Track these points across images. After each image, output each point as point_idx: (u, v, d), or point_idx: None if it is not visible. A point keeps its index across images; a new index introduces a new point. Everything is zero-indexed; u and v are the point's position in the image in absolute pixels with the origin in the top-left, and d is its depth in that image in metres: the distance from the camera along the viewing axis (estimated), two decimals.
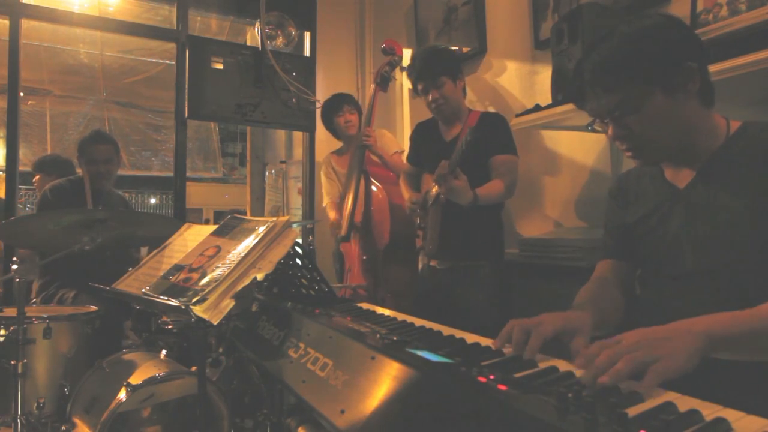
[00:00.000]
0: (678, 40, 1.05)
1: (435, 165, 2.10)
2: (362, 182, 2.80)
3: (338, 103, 3.07)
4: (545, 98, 2.10)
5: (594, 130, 1.18)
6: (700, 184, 1.11)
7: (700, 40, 1.12)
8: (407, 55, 3.03)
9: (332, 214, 3.14)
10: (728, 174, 1.07)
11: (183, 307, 1.22)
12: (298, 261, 1.49)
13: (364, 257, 2.77)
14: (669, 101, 1.04)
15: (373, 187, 2.76)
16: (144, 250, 3.02)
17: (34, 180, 3.75)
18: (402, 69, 3.12)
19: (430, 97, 2.23)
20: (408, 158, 2.57)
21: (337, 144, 3.26)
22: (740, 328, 0.86)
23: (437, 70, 2.21)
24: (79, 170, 3.02)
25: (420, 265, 2.56)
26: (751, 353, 0.90)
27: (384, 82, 2.92)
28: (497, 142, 2.19)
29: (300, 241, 1.46)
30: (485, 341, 0.98)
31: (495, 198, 2.14)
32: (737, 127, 1.11)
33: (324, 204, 3.26)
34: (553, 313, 0.99)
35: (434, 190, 2.09)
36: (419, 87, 2.26)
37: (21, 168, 3.27)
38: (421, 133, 2.48)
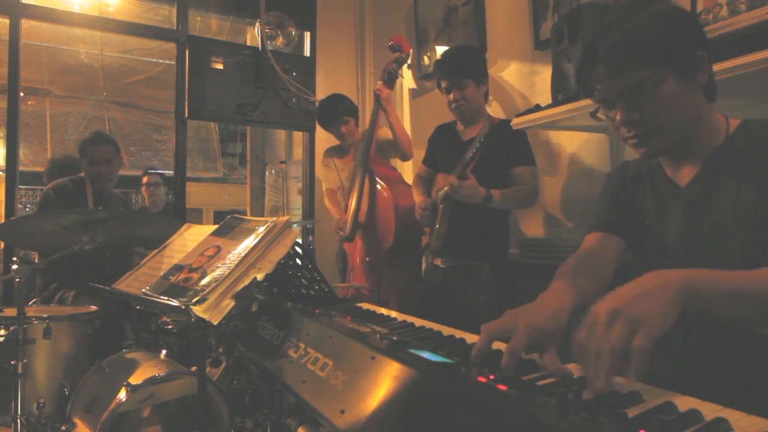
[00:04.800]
0: (691, 27, 1.07)
1: (451, 165, 2.14)
2: (367, 181, 2.79)
3: (330, 117, 3.05)
4: (545, 98, 2.10)
5: (597, 118, 1.15)
6: (701, 182, 1.11)
7: (702, 29, 1.13)
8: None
9: (329, 203, 3.14)
10: (728, 173, 1.07)
11: (183, 307, 1.22)
12: (298, 261, 1.49)
13: (367, 258, 2.76)
14: (681, 87, 1.04)
15: (378, 187, 2.74)
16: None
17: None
18: (409, 66, 3.12)
19: (451, 97, 2.27)
20: (423, 160, 2.58)
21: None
22: (725, 286, 0.81)
23: (462, 72, 2.24)
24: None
25: (424, 265, 2.57)
26: (732, 315, 0.83)
27: (391, 79, 2.91)
28: (517, 154, 2.22)
29: (300, 241, 1.46)
30: None
31: (511, 202, 2.19)
32: (737, 126, 1.11)
33: (325, 197, 3.24)
34: (528, 311, 0.92)
35: (446, 188, 2.11)
36: (443, 85, 2.29)
37: (21, 168, 3.27)
38: (439, 135, 2.50)
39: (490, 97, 2.78)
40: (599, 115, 1.14)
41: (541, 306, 0.98)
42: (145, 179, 4.29)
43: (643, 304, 0.73)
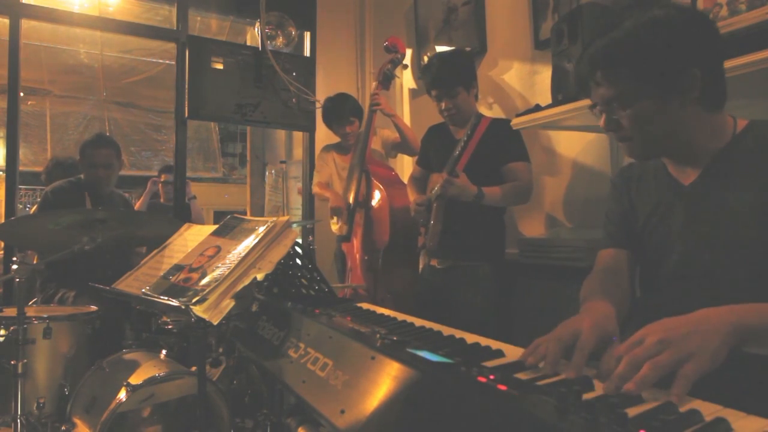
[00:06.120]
0: (685, 41, 1.01)
1: (444, 164, 2.15)
2: (363, 181, 2.80)
3: (336, 117, 3.04)
4: (545, 98, 2.09)
5: (595, 114, 1.17)
6: (705, 182, 1.10)
7: (715, 37, 1.05)
8: (409, 53, 3.03)
9: (321, 190, 3.09)
10: (734, 173, 1.06)
11: (183, 307, 1.22)
12: (298, 261, 1.49)
13: (365, 258, 2.76)
14: (660, 104, 1.02)
15: (374, 187, 2.75)
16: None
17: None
18: (404, 67, 3.12)
19: (443, 105, 2.25)
20: (417, 161, 2.58)
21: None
22: None
23: (453, 81, 2.21)
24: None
25: (421, 265, 2.57)
26: None
27: (386, 80, 2.91)
28: (510, 150, 2.21)
29: (300, 241, 1.46)
30: (485, 341, 0.98)
31: (505, 198, 2.18)
32: (744, 126, 1.09)
33: (314, 186, 3.19)
34: (582, 318, 0.91)
35: (437, 187, 2.11)
36: (433, 93, 2.27)
37: (21, 168, 3.27)
38: (432, 135, 2.50)
39: (490, 98, 2.79)
40: (595, 112, 1.15)
41: (591, 313, 0.95)
42: (163, 177, 4.53)
43: (694, 341, 0.73)
